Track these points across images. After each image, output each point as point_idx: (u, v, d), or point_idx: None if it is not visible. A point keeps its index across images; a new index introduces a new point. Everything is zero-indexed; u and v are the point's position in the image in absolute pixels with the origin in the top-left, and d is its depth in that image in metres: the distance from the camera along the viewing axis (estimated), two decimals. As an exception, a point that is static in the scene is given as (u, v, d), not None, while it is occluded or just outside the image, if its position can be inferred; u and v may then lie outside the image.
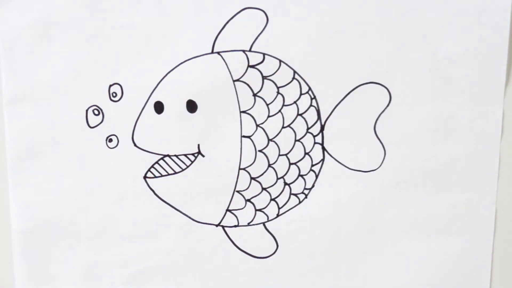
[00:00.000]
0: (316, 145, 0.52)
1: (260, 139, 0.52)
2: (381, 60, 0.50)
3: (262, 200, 0.53)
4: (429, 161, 0.52)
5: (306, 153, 0.52)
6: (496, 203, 0.53)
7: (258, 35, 0.50)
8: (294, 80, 0.51)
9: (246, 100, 0.51)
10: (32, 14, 0.50)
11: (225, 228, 0.54)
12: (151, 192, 0.53)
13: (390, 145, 0.52)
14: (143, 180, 0.53)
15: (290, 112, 0.51)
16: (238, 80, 0.51)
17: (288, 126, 0.52)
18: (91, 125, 0.52)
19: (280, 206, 0.53)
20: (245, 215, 0.53)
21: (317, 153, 0.52)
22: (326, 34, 0.50)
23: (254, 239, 0.54)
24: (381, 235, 0.53)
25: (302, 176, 0.53)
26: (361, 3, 0.49)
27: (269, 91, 0.51)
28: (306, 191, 0.53)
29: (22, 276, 0.55)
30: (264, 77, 0.51)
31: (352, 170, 0.52)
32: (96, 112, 0.51)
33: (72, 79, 0.51)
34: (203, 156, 0.52)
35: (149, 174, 0.52)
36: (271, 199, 0.53)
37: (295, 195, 0.53)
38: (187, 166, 0.52)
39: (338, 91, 0.51)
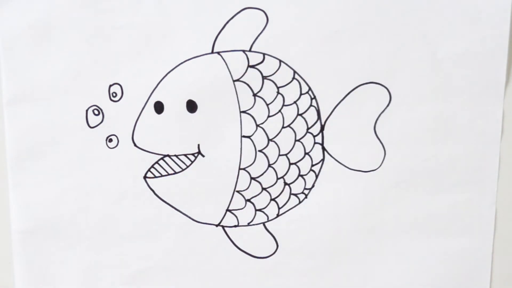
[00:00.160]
0: (316, 145, 0.52)
1: (260, 139, 0.52)
2: (381, 60, 0.50)
3: (262, 200, 0.53)
4: (429, 161, 0.52)
5: (306, 153, 0.52)
6: (496, 203, 0.53)
7: (258, 35, 0.50)
8: (294, 80, 0.51)
9: (246, 100, 0.51)
10: (32, 14, 0.50)
11: (225, 228, 0.54)
12: (151, 192, 0.53)
13: (390, 145, 0.52)
14: (143, 180, 0.53)
15: (290, 112, 0.51)
16: (238, 80, 0.51)
17: (288, 126, 0.52)
18: (91, 125, 0.52)
19: (280, 206, 0.53)
20: (245, 215, 0.53)
21: (317, 153, 0.52)
22: (326, 34, 0.50)
23: (254, 239, 0.54)
24: (381, 235, 0.53)
25: (302, 176, 0.53)
26: (361, 3, 0.49)
27: (269, 91, 0.51)
28: (306, 191, 0.53)
29: (22, 276, 0.55)
30: (264, 77, 0.51)
31: (352, 170, 0.52)
32: (96, 112, 0.51)
33: (72, 79, 0.51)
34: (203, 156, 0.52)
35: (149, 174, 0.52)
36: (271, 199, 0.53)
37: (295, 195, 0.53)
38: (187, 166, 0.52)
39: (338, 91, 0.51)
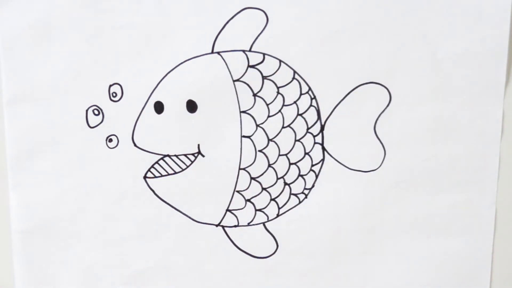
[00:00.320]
0: (316, 145, 0.52)
1: (260, 139, 0.52)
2: (381, 60, 0.50)
3: (262, 200, 0.53)
4: (429, 161, 0.52)
5: (306, 153, 0.52)
6: (496, 203, 0.53)
7: (258, 35, 0.50)
8: (294, 80, 0.51)
9: (246, 100, 0.51)
10: (32, 14, 0.50)
11: (225, 228, 0.54)
12: (151, 192, 0.53)
13: (390, 145, 0.52)
14: (143, 180, 0.53)
15: (290, 112, 0.51)
16: (238, 80, 0.51)
17: (288, 126, 0.52)
18: (91, 125, 0.52)
19: (280, 206, 0.53)
20: (245, 215, 0.53)
21: (317, 153, 0.52)
22: (326, 34, 0.50)
23: (254, 239, 0.54)
24: (381, 235, 0.53)
25: (302, 176, 0.53)
26: (361, 3, 0.49)
27: (269, 91, 0.51)
28: (306, 191, 0.53)
29: (22, 276, 0.55)
30: (264, 77, 0.51)
31: (352, 170, 0.52)
32: (96, 112, 0.51)
33: (72, 79, 0.51)
34: (203, 156, 0.52)
35: (149, 174, 0.52)
36: (271, 199, 0.53)
37: (295, 195, 0.53)
38: (187, 166, 0.52)
39: (338, 91, 0.51)
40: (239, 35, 0.50)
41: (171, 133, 0.52)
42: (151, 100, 0.51)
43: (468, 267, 0.54)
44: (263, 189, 0.53)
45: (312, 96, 0.51)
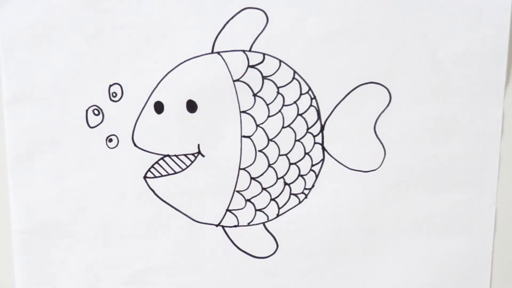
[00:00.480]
0: (316, 145, 0.52)
1: (260, 139, 0.52)
2: (381, 60, 0.50)
3: (262, 200, 0.53)
4: (429, 161, 0.52)
5: (306, 153, 0.52)
6: (496, 203, 0.53)
7: (258, 35, 0.50)
8: (294, 80, 0.51)
9: (246, 100, 0.51)
10: (32, 14, 0.50)
11: (225, 228, 0.54)
12: (151, 192, 0.53)
13: (390, 145, 0.52)
14: (143, 180, 0.53)
15: (290, 112, 0.51)
16: (238, 80, 0.51)
17: (288, 126, 0.52)
18: (91, 125, 0.52)
19: (280, 206, 0.53)
20: (245, 215, 0.53)
21: (317, 153, 0.52)
22: (326, 34, 0.50)
23: (254, 239, 0.54)
24: (381, 235, 0.53)
25: (302, 176, 0.53)
26: (361, 3, 0.49)
27: (269, 91, 0.51)
28: (306, 191, 0.53)
29: (22, 276, 0.55)
30: (264, 77, 0.51)
31: (352, 170, 0.52)
32: (96, 112, 0.51)
33: (72, 79, 0.51)
34: (203, 156, 0.52)
35: (149, 174, 0.52)
36: (271, 199, 0.53)
37: (295, 195, 0.53)
38: (187, 166, 0.52)
39: (338, 91, 0.51)
40: (239, 35, 0.50)
41: (171, 133, 0.52)
42: (151, 100, 0.51)
43: (468, 267, 0.54)
44: (263, 189, 0.53)
45: (312, 96, 0.51)
